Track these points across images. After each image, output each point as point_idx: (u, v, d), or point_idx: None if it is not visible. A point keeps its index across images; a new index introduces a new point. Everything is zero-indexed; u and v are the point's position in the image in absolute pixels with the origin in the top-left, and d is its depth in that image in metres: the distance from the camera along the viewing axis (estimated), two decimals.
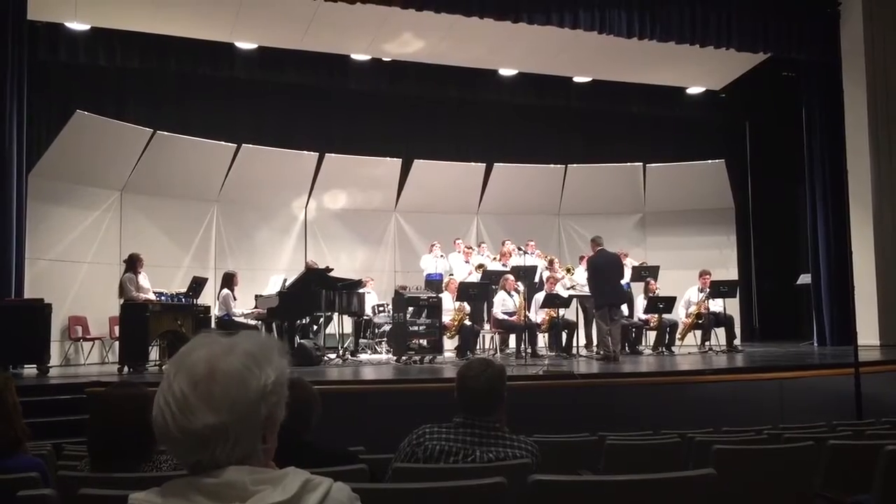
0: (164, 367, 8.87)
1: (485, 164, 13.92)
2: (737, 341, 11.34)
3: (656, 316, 11.08)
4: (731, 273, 13.33)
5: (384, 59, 12.69)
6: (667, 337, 11.06)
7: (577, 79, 13.77)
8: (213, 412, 1.22)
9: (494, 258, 12.02)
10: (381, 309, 11.34)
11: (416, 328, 9.69)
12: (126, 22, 10.90)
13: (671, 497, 2.50)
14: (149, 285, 9.16)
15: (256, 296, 10.65)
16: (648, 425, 5.30)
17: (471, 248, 12.31)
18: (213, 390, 1.23)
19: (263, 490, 1.22)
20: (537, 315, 10.80)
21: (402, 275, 13.35)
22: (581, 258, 12.02)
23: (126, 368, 8.55)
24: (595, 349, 11.03)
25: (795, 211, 14.20)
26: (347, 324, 11.13)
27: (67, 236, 10.72)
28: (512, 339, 10.95)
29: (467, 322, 10.42)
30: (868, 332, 10.52)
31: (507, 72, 13.45)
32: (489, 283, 10.88)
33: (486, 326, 11.09)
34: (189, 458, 1.25)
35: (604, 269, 9.64)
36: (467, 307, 10.55)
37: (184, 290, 9.58)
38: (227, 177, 12.45)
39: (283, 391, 1.30)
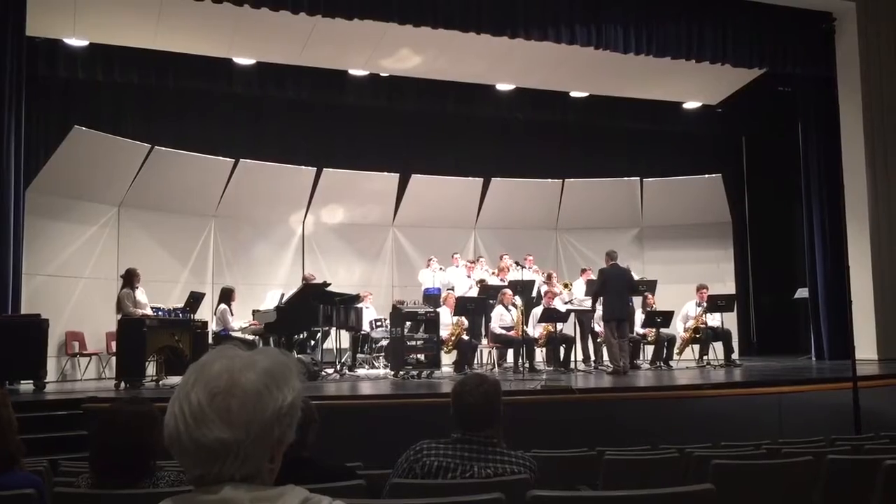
0: (161, 383, 8.85)
1: (482, 179, 13.95)
2: (735, 355, 11.35)
3: (654, 330, 11.08)
4: (728, 287, 13.33)
5: (382, 74, 12.72)
6: (665, 351, 11.07)
7: (574, 94, 13.82)
8: (228, 427, 1.22)
9: (493, 273, 12.02)
10: (378, 324, 11.34)
11: (413, 343, 9.68)
12: (124, 38, 10.91)
13: None
14: (146, 300, 9.15)
15: (254, 310, 10.60)
16: (647, 440, 5.28)
17: (473, 262, 12.32)
18: (230, 405, 1.23)
19: None
20: (535, 329, 10.79)
21: (400, 289, 13.35)
22: (582, 271, 12.07)
23: (123, 384, 8.51)
24: (593, 363, 11.09)
25: (792, 225, 14.23)
26: (345, 338, 11.11)
27: (65, 251, 10.69)
28: (510, 353, 10.94)
29: (465, 336, 10.42)
30: (866, 347, 10.52)
31: (504, 87, 13.50)
32: (487, 297, 10.88)
33: (484, 341, 11.08)
34: (195, 470, 1.24)
35: (613, 282, 9.80)
36: (465, 322, 10.55)
37: (181, 305, 9.56)
38: (224, 192, 12.46)
39: (297, 413, 1.30)
